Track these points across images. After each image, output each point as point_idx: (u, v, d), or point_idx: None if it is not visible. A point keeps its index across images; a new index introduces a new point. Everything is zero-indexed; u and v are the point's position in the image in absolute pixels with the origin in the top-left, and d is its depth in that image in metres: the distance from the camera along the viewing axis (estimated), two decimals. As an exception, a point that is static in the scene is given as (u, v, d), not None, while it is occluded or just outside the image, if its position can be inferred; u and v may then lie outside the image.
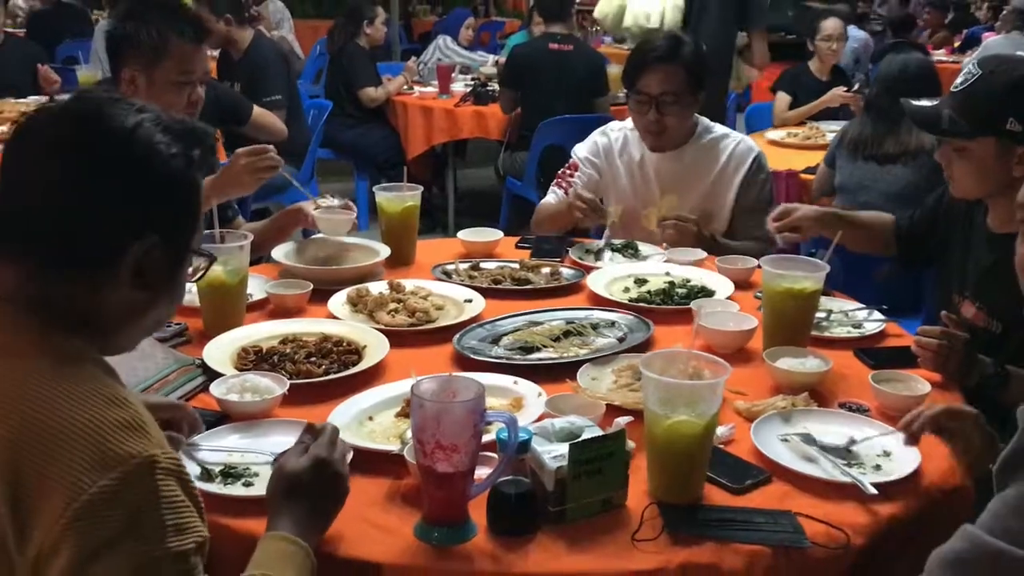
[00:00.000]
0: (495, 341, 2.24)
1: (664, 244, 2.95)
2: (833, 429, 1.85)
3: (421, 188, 2.84)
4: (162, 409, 1.64)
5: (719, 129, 3.12)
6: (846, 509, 1.60)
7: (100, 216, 1.21)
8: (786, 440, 1.81)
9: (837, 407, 1.97)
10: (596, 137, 3.22)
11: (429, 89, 6.34)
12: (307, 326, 2.26)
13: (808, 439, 1.79)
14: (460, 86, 6.40)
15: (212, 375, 1.98)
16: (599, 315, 2.40)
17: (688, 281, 2.67)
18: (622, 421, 1.73)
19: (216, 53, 5.56)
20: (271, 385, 1.88)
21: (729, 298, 2.52)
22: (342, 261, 2.73)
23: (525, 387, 1.96)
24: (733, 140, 3.09)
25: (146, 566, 1.07)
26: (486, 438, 1.58)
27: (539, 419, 1.79)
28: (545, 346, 2.19)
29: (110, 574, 1.06)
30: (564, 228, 3.14)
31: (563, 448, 1.54)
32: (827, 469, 1.70)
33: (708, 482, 1.66)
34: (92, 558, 1.06)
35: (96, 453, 1.09)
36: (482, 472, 1.57)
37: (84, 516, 1.07)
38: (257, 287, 2.50)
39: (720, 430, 1.82)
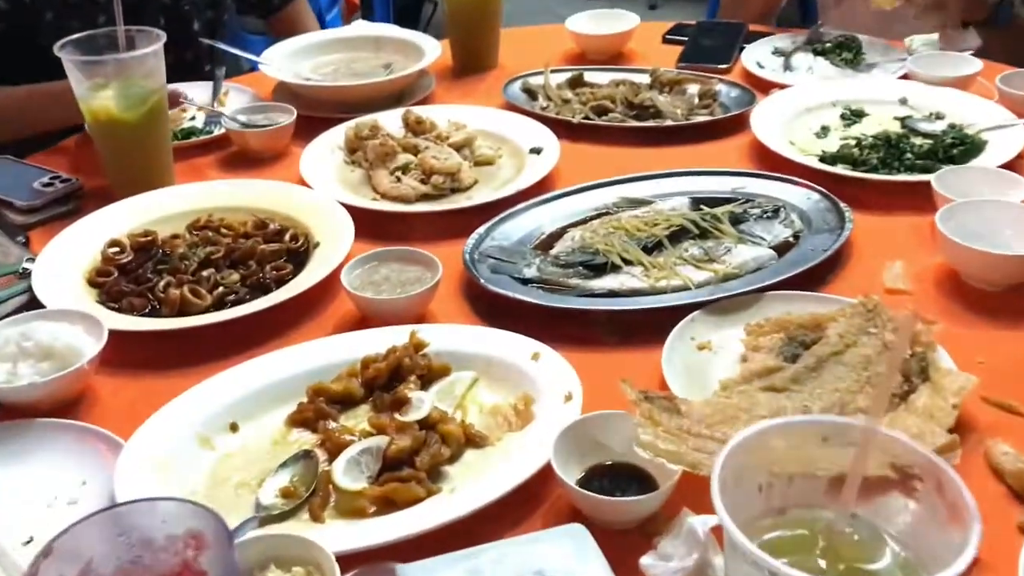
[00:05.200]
0: (545, 244, 1.26)
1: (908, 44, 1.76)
2: None
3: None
4: None
5: None
6: None
7: None
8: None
9: None
10: None
11: None
12: (248, 194, 1.37)
13: None
14: None
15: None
16: (757, 188, 1.35)
17: (939, 117, 1.52)
18: (697, 526, 0.76)
19: None
20: (76, 344, 1.03)
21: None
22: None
23: (550, 369, 0.99)
24: None
25: None
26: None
27: (535, 474, 0.85)
28: (628, 261, 1.19)
29: None
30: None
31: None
32: None
33: None
34: None
35: None
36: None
37: None
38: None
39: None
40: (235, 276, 1.19)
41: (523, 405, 0.97)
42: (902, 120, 1.52)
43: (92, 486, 0.89)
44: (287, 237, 1.26)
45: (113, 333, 1.05)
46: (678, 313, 1.08)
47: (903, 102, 1.57)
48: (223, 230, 1.28)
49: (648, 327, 1.08)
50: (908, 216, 1.30)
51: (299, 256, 1.24)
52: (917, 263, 1.20)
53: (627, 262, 1.19)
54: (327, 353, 1.03)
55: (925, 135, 1.46)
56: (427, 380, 1.01)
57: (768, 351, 1.03)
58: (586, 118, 1.58)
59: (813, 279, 1.16)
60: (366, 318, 1.12)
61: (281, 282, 1.18)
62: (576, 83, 1.70)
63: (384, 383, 0.99)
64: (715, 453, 0.86)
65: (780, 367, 1.00)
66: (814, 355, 1.01)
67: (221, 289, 1.16)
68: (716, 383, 1.00)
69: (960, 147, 1.40)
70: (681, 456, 0.82)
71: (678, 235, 1.24)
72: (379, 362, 1.00)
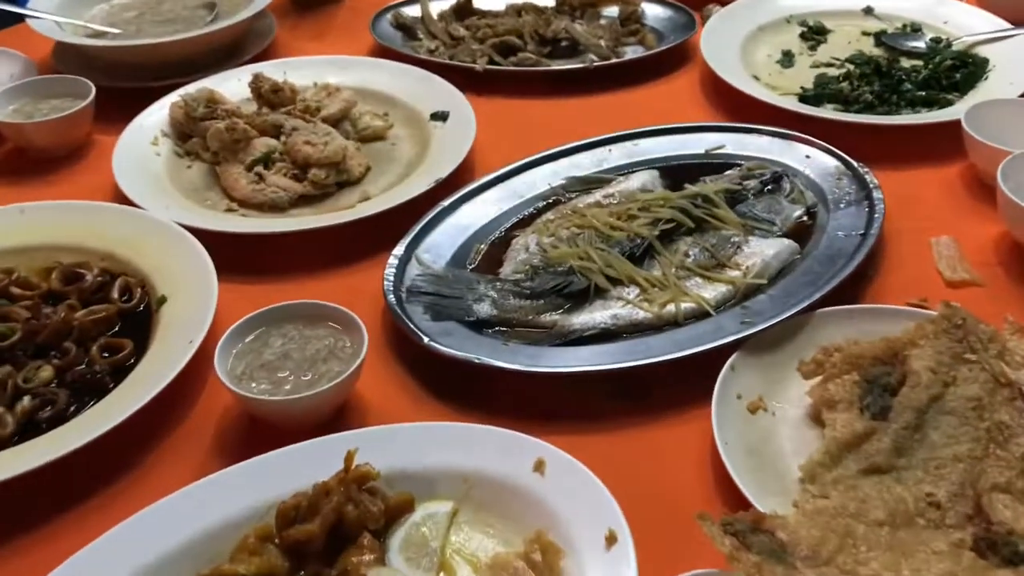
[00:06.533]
0: (490, 260, 0.91)
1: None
2: None
3: None
4: None
5: None
6: None
7: None
8: None
9: None
10: None
11: None
12: (43, 223, 0.94)
13: None
14: None
15: None
16: (737, 146, 1.04)
17: (915, 29, 1.26)
18: None
19: None
20: None
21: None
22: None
23: (563, 481, 0.67)
24: None
25: None
26: None
27: None
28: (615, 280, 0.86)
29: None
30: None
31: None
32: None
33: None
34: None
35: None
36: None
37: None
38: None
39: None
40: (47, 371, 0.78)
41: (541, 554, 0.64)
42: (877, 36, 1.24)
43: None
44: (115, 292, 0.86)
45: None
46: (705, 356, 0.78)
47: (868, 12, 1.30)
48: (15, 291, 0.86)
49: (670, 379, 0.78)
50: (930, 169, 1.03)
51: (137, 321, 0.84)
52: (966, 235, 0.94)
53: (613, 280, 0.86)
54: (215, 504, 0.67)
55: (911, 54, 1.20)
56: (385, 525, 0.66)
57: (847, 405, 0.75)
58: (491, 62, 1.22)
59: (851, 277, 0.88)
60: (262, 422, 0.75)
61: (120, 371, 0.79)
62: (463, 11, 1.33)
63: (320, 549, 0.64)
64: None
65: (871, 429, 0.72)
66: (910, 406, 0.73)
67: (27, 400, 0.76)
68: (791, 462, 0.71)
69: (962, 69, 1.14)
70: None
71: (667, 230, 0.92)
72: (306, 517, 0.64)
